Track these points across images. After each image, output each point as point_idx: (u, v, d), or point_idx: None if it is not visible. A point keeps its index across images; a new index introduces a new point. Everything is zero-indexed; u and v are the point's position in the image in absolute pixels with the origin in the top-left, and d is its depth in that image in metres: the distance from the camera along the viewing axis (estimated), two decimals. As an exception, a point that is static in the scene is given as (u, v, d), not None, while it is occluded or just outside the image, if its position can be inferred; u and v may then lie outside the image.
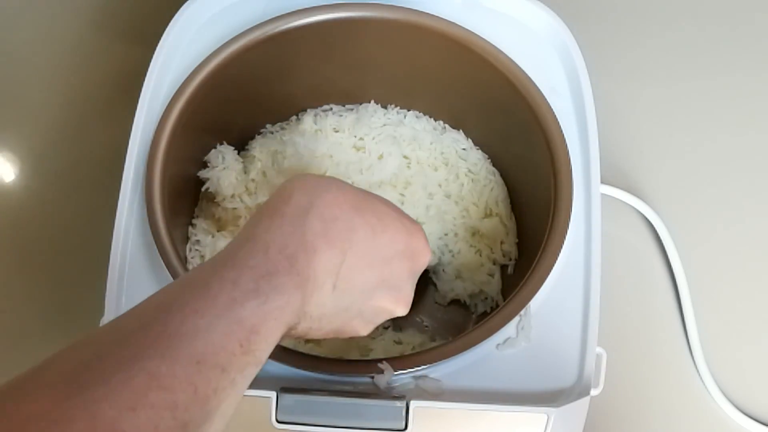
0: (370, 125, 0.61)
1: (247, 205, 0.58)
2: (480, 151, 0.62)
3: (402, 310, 0.42)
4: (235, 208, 0.58)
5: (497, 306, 0.58)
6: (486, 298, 0.59)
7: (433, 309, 0.60)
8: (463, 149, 0.62)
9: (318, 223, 0.36)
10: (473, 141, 0.62)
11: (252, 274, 0.34)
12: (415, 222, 0.42)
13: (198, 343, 0.31)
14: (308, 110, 0.63)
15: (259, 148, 0.61)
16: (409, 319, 0.59)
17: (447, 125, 0.63)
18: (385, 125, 0.62)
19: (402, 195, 0.59)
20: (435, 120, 0.63)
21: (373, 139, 0.60)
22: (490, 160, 0.62)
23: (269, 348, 0.34)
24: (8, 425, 0.28)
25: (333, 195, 0.38)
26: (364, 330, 0.41)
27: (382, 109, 0.63)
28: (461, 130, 0.62)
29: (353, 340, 0.55)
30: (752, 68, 0.72)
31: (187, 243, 0.57)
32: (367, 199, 0.40)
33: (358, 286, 0.38)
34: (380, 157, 0.60)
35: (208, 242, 0.57)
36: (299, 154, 0.59)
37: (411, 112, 0.63)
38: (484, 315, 0.59)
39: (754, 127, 0.70)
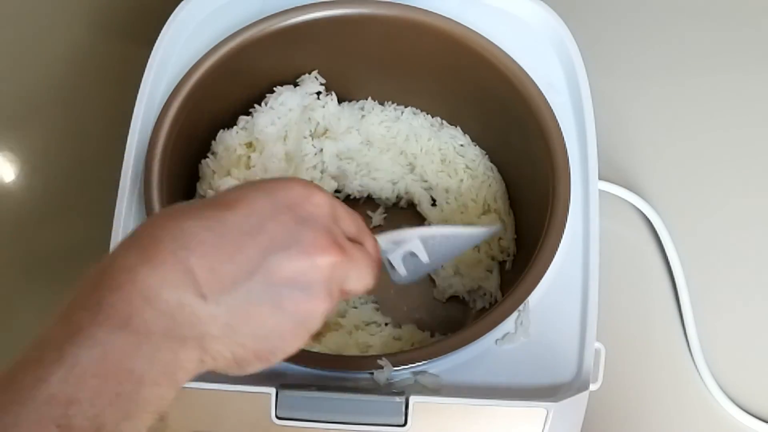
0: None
1: None
2: (478, 147, 0.62)
3: (325, 256, 0.35)
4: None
5: (496, 302, 0.58)
6: (484, 294, 0.59)
7: (432, 305, 0.60)
8: (461, 145, 0.62)
9: (134, 256, 0.33)
10: (471, 137, 0.62)
11: (52, 343, 0.30)
12: (278, 179, 0.37)
13: None
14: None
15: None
16: (408, 316, 0.59)
17: (444, 121, 0.63)
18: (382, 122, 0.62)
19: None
20: (432, 116, 0.63)
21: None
22: (488, 156, 0.62)
23: (131, 407, 0.31)
24: None
25: (149, 224, 0.35)
26: (308, 305, 0.35)
27: (380, 106, 0.63)
28: (459, 127, 0.62)
29: (352, 336, 0.55)
30: (750, 65, 0.72)
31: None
32: (195, 203, 0.36)
33: (235, 276, 0.34)
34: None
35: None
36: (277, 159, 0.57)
37: (408, 108, 0.63)
38: (483, 311, 0.59)
39: (752, 124, 0.70)
